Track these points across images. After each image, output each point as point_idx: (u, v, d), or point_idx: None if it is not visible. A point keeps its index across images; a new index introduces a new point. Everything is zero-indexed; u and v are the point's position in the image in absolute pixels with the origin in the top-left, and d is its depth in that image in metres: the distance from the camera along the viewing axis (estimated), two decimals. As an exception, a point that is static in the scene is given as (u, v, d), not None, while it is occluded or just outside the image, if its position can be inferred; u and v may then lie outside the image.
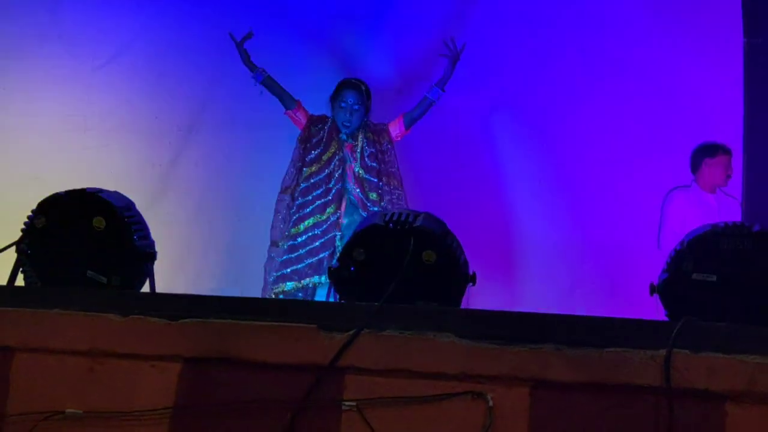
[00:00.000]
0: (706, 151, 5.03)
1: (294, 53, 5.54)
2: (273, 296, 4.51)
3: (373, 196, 4.65)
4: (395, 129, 4.79)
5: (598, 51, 5.49)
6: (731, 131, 5.05)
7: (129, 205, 2.66)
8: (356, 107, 4.69)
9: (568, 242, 5.21)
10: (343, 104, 4.70)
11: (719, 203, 5.00)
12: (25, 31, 5.71)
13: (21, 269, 2.64)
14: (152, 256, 2.65)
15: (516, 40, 5.54)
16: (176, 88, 5.56)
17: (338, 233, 4.58)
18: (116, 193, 2.69)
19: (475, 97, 5.15)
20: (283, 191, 4.69)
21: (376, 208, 4.58)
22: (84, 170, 5.13)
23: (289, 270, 4.55)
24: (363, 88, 4.76)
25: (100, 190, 2.67)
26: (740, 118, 4.99)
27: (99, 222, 2.58)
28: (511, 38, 5.56)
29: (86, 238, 2.58)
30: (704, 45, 5.36)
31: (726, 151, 5.01)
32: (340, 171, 4.64)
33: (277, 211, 4.68)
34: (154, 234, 2.69)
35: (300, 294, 4.51)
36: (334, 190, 4.62)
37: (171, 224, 4.68)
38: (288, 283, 4.53)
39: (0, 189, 5.29)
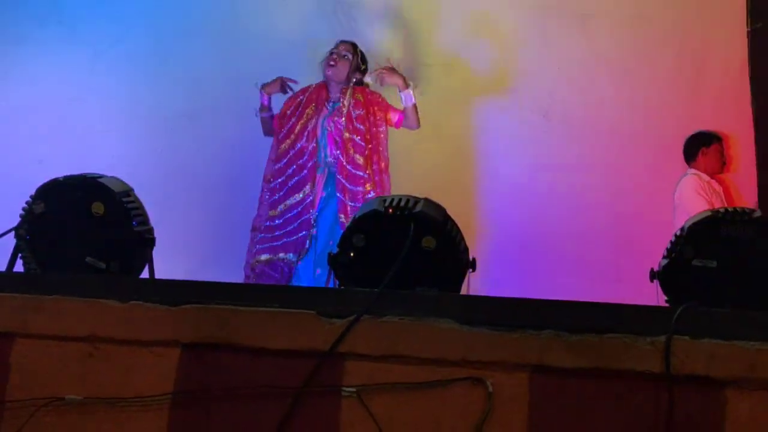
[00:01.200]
0: (701, 141, 5.08)
1: (293, 40, 5.51)
2: (250, 270, 4.44)
3: (360, 159, 4.50)
4: (395, 116, 4.64)
5: (600, 37, 5.46)
6: (738, 118, 5.04)
7: (128, 190, 2.66)
8: (344, 53, 4.65)
9: (570, 228, 5.19)
10: (333, 51, 4.66)
11: (720, 190, 5.03)
12: (25, 15, 5.69)
13: (20, 255, 2.64)
14: (151, 242, 2.65)
15: (519, 22, 5.51)
16: (177, 73, 5.53)
17: (314, 213, 4.45)
18: (115, 178, 2.68)
19: (479, 81, 5.13)
20: (263, 180, 4.64)
21: (360, 173, 4.48)
22: (84, 156, 5.12)
23: (266, 245, 4.47)
24: (355, 44, 4.74)
25: (99, 176, 2.66)
26: (747, 105, 4.98)
27: (98, 207, 2.58)
28: (513, 20, 5.53)
29: (85, 223, 2.58)
30: (709, 31, 5.33)
31: (719, 139, 5.09)
32: (313, 144, 4.51)
33: (259, 200, 4.62)
34: (153, 220, 2.68)
35: (274, 272, 4.41)
36: (307, 168, 4.50)
37: (170, 210, 4.65)
38: (262, 255, 4.44)
39: (3, 173, 5.27)
